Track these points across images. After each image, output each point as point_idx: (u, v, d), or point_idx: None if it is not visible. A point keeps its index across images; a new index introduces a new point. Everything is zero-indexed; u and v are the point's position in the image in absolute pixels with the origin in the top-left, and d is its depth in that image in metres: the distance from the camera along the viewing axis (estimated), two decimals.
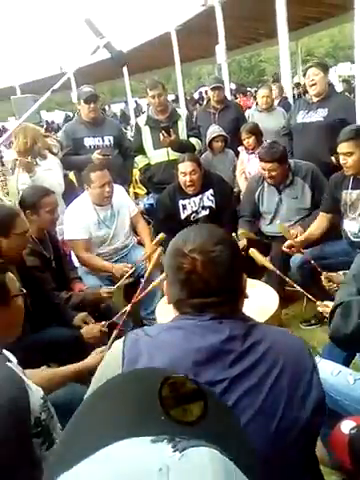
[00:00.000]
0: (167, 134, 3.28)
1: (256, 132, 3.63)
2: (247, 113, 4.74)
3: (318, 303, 1.89)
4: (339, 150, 2.44)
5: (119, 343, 0.95)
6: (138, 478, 0.30)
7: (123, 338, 0.95)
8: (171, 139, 3.30)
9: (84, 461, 0.32)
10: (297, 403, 0.87)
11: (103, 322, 2.03)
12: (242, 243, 2.81)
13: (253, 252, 2.50)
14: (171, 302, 0.98)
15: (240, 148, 3.84)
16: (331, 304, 1.78)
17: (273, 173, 2.83)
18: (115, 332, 1.93)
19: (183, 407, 0.38)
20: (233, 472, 0.34)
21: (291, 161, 2.93)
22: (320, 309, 1.84)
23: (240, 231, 2.93)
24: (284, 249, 2.63)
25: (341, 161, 2.47)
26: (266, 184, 2.99)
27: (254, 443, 0.82)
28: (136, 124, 3.61)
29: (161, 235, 2.68)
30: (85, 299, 2.29)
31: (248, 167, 3.67)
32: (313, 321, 2.79)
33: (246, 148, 3.69)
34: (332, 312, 1.35)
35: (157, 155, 3.46)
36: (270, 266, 2.47)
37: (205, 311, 0.92)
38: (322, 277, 2.10)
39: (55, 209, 2.34)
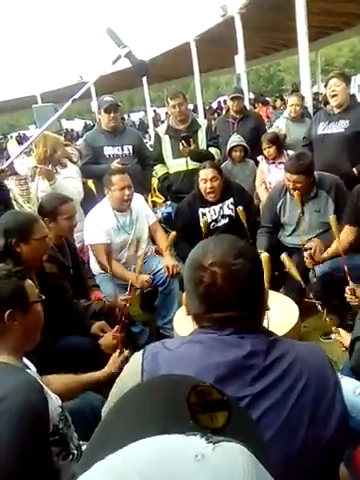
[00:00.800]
0: (187, 143, 3.29)
1: (277, 142, 3.60)
2: (277, 122, 4.62)
3: (333, 336, 1.87)
4: None
5: (138, 356, 0.93)
6: (174, 463, 0.33)
7: (142, 351, 0.94)
8: (190, 149, 3.31)
9: (117, 452, 0.35)
10: (320, 420, 0.84)
11: (116, 327, 2.03)
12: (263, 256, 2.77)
13: (284, 258, 2.48)
14: (190, 315, 0.97)
15: (260, 158, 3.81)
16: (345, 335, 1.76)
17: (298, 185, 2.77)
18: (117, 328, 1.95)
19: (209, 414, 0.40)
20: (261, 467, 0.37)
21: (315, 173, 2.86)
22: (334, 337, 1.82)
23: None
24: (306, 260, 2.59)
25: None
26: (289, 196, 2.94)
27: (277, 461, 0.81)
28: (156, 133, 3.63)
29: (173, 233, 2.69)
30: (104, 308, 2.29)
31: (268, 177, 3.64)
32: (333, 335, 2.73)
33: (266, 158, 3.66)
34: (351, 345, 1.31)
35: (176, 164, 3.47)
36: (297, 276, 2.44)
37: (225, 325, 0.90)
38: (347, 288, 2.05)
39: (73, 216, 2.36)
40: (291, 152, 3.69)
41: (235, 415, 0.41)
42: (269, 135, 3.65)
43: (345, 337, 1.77)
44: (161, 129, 3.58)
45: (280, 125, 4.26)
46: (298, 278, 2.49)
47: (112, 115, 3.38)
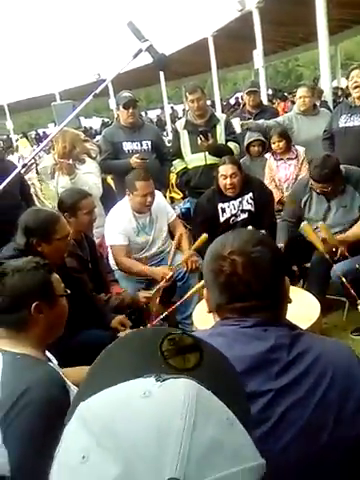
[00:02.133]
0: (205, 138, 3.27)
1: (287, 136, 3.55)
2: (286, 117, 4.17)
3: None
4: None
5: None
6: (124, 401, 0.39)
7: None
8: (209, 143, 3.29)
9: (95, 395, 0.41)
10: (347, 419, 0.81)
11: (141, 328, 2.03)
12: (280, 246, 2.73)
13: (304, 226, 2.45)
14: (211, 309, 0.95)
15: (267, 155, 3.74)
16: None
17: (325, 190, 2.72)
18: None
19: (181, 357, 0.45)
20: (207, 397, 0.40)
21: (342, 168, 2.76)
22: None
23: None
24: (325, 254, 2.54)
25: None
26: (314, 192, 2.88)
27: (300, 458, 0.79)
28: (174, 128, 3.63)
29: (204, 235, 2.64)
30: (123, 302, 2.30)
31: (278, 174, 3.59)
32: None
33: (274, 153, 3.61)
34: None
35: (194, 159, 3.46)
36: (319, 245, 2.40)
37: (247, 316, 0.89)
38: None
39: (92, 211, 2.37)
40: (299, 148, 3.62)
41: (207, 356, 0.46)
42: (279, 129, 3.60)
43: None
44: (179, 124, 3.57)
45: (285, 120, 3.88)
46: (320, 247, 2.43)
47: (131, 111, 3.38)
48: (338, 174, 2.70)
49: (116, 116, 3.68)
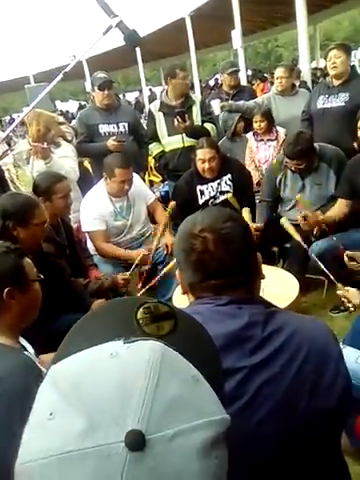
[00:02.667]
0: (182, 119, 3.23)
1: (270, 117, 3.53)
2: (265, 97, 4.16)
3: (339, 286, 1.82)
4: (359, 125, 2.39)
5: None
6: (92, 361, 0.41)
7: None
8: (186, 124, 3.24)
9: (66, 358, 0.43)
10: (322, 392, 0.83)
11: None
12: (259, 226, 2.75)
13: (284, 222, 2.48)
14: (185, 289, 0.94)
15: (249, 135, 3.72)
16: (354, 291, 1.73)
17: (300, 167, 2.75)
18: None
19: (156, 324, 0.47)
20: (173, 357, 0.42)
21: (316, 145, 2.82)
22: (340, 292, 1.77)
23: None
24: (299, 219, 2.57)
25: None
26: (289, 170, 2.91)
27: (278, 432, 0.80)
28: (149, 111, 3.54)
29: (172, 202, 2.72)
30: (102, 286, 2.28)
31: (257, 155, 3.59)
32: (342, 307, 2.72)
33: (255, 133, 3.59)
34: None
35: (172, 141, 3.40)
36: (297, 237, 2.43)
37: (221, 293, 0.89)
38: (345, 254, 2.02)
39: (68, 195, 2.33)
40: (280, 128, 3.62)
41: (182, 323, 0.48)
42: (263, 109, 3.58)
43: (352, 293, 1.74)
44: (154, 106, 3.48)
45: (264, 101, 3.85)
46: (299, 239, 2.47)
47: (106, 92, 3.31)
48: (311, 151, 2.73)
49: (91, 98, 3.58)
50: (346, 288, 1.80)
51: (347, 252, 2.05)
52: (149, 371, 0.39)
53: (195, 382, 0.41)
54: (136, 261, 2.58)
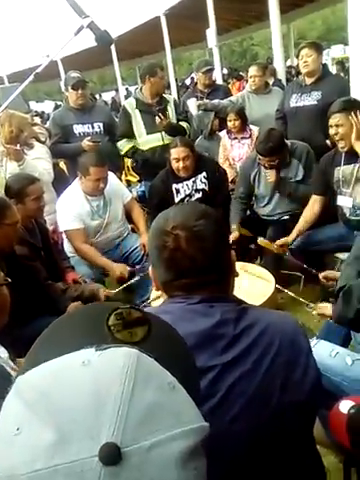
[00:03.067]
0: (163, 116, 3.22)
1: (243, 115, 3.56)
2: (239, 96, 4.24)
3: (314, 310, 1.89)
4: (331, 122, 2.46)
5: None
6: (64, 370, 0.39)
7: None
8: (167, 121, 3.24)
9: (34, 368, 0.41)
10: (292, 387, 0.84)
11: None
12: (234, 235, 2.79)
13: (261, 242, 2.54)
14: (158, 287, 0.94)
15: (222, 133, 3.74)
16: (326, 305, 1.78)
17: (272, 163, 2.80)
18: None
19: (128, 331, 0.45)
20: (148, 363, 0.40)
21: (288, 142, 2.89)
22: (315, 313, 1.84)
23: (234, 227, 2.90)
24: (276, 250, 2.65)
25: (331, 132, 2.47)
26: (262, 167, 2.95)
27: (250, 427, 0.81)
28: (124, 108, 3.48)
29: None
30: (82, 295, 2.25)
31: (231, 153, 3.62)
32: (318, 303, 2.78)
33: (229, 132, 3.61)
34: (337, 294, 1.33)
35: (151, 140, 3.37)
36: (276, 251, 2.48)
37: (194, 292, 0.88)
38: (320, 276, 2.10)
39: (41, 197, 2.29)
40: (253, 127, 3.66)
41: (156, 329, 0.47)
42: (237, 107, 3.60)
43: (324, 307, 1.79)
44: (130, 104, 3.44)
45: (239, 99, 3.91)
46: (276, 251, 2.52)
47: (80, 92, 3.28)
48: (283, 147, 2.78)
49: (65, 98, 3.54)
50: (318, 305, 1.86)
51: (322, 274, 2.12)
52: (124, 378, 0.37)
53: (171, 389, 0.39)
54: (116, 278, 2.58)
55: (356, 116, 2.38)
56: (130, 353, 0.40)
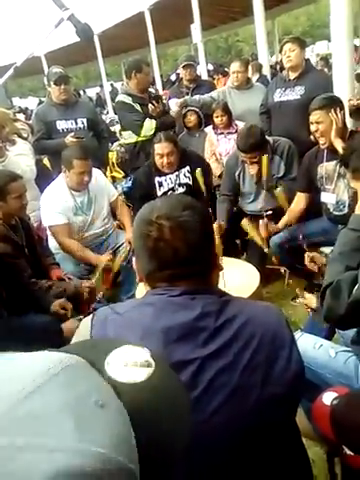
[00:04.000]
0: (157, 103, 3.20)
1: (229, 111, 3.56)
2: (220, 91, 4.16)
3: (297, 291, 1.89)
4: (311, 119, 2.47)
5: (87, 322, 0.90)
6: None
7: (91, 316, 0.91)
8: (160, 109, 3.24)
9: None
10: (274, 379, 0.84)
11: (81, 317, 1.98)
12: (218, 228, 2.78)
13: (244, 224, 2.51)
14: (141, 277, 0.94)
15: (207, 129, 3.74)
16: (311, 297, 1.79)
17: (254, 160, 2.79)
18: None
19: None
20: (82, 376, 0.38)
21: (271, 139, 2.89)
22: (300, 300, 1.85)
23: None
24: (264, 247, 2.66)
25: (312, 129, 2.48)
26: (246, 164, 2.95)
27: (232, 419, 0.81)
28: (123, 102, 3.43)
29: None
30: (66, 291, 2.23)
31: (218, 148, 3.62)
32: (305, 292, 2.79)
33: (215, 127, 3.61)
34: (323, 292, 1.32)
35: (149, 128, 3.35)
36: (259, 240, 2.47)
37: (176, 283, 0.88)
38: (306, 255, 2.08)
39: (23, 195, 2.26)
40: (239, 122, 3.66)
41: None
42: (223, 103, 3.60)
43: (310, 298, 1.79)
44: (126, 98, 3.41)
45: (220, 95, 3.88)
46: (260, 242, 2.52)
47: (63, 87, 3.24)
48: (264, 143, 2.78)
49: (48, 93, 3.49)
50: (305, 294, 1.86)
51: (308, 253, 2.11)
52: (39, 375, 0.35)
53: (95, 405, 0.35)
54: (99, 268, 2.55)
55: (336, 113, 2.39)
56: (68, 359, 0.38)
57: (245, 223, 2.54)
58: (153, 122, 3.35)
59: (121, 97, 3.55)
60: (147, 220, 0.88)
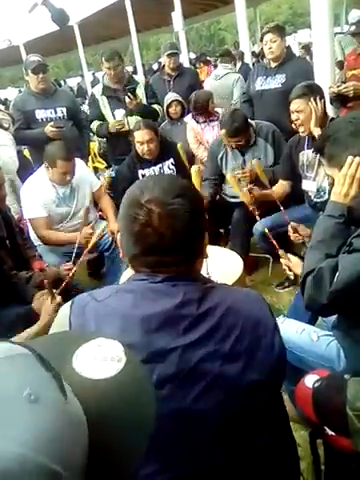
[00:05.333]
0: (133, 96, 3.16)
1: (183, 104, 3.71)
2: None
3: (281, 253, 1.84)
4: (291, 108, 2.47)
5: (66, 309, 0.88)
6: None
7: (70, 302, 0.89)
8: (137, 102, 3.19)
9: None
10: (256, 366, 0.83)
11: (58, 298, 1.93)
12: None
13: (231, 178, 2.50)
14: (125, 256, 0.92)
15: (187, 118, 3.73)
16: (297, 261, 1.75)
17: (239, 143, 2.82)
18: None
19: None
20: (17, 367, 0.37)
21: (253, 122, 2.92)
22: (283, 261, 1.80)
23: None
24: (249, 205, 2.62)
25: (293, 118, 2.48)
26: (229, 147, 2.96)
27: (211, 410, 0.81)
28: (92, 94, 3.46)
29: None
30: (46, 277, 2.20)
31: (204, 136, 3.62)
32: (287, 283, 2.80)
33: (195, 116, 3.61)
34: (303, 281, 1.32)
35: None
36: (244, 197, 2.47)
37: (158, 271, 0.86)
38: (289, 227, 2.03)
39: (2, 186, 2.21)
40: (218, 109, 3.68)
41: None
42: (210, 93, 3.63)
43: (296, 262, 1.74)
44: (97, 90, 3.41)
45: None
46: (244, 198, 2.51)
47: (41, 76, 3.17)
48: (247, 127, 2.80)
49: (26, 82, 3.42)
50: (289, 256, 1.80)
51: (292, 223, 2.07)
52: None
53: (25, 401, 0.34)
54: (77, 243, 2.48)
55: (315, 102, 2.39)
56: (11, 351, 0.37)
57: (230, 179, 2.55)
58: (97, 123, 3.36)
59: (94, 88, 3.56)
60: (136, 202, 0.84)
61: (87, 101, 9.48)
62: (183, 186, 0.89)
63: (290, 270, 1.75)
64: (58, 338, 0.50)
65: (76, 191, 2.80)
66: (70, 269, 2.17)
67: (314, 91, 2.45)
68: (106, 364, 0.42)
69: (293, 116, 2.48)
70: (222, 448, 0.83)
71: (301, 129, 2.48)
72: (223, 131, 2.85)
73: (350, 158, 1.30)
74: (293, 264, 1.74)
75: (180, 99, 3.69)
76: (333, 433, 1.16)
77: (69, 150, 2.66)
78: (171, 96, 3.68)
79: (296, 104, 2.44)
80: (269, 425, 0.90)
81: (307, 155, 2.56)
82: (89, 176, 3.00)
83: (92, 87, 11.23)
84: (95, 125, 3.40)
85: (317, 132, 2.40)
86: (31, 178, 2.78)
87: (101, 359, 0.42)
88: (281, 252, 1.81)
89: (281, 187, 2.75)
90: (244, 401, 0.83)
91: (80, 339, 0.44)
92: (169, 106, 3.68)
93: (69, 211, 2.79)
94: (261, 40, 3.47)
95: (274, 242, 2.02)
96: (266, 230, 2.27)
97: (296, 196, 2.75)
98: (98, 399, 0.38)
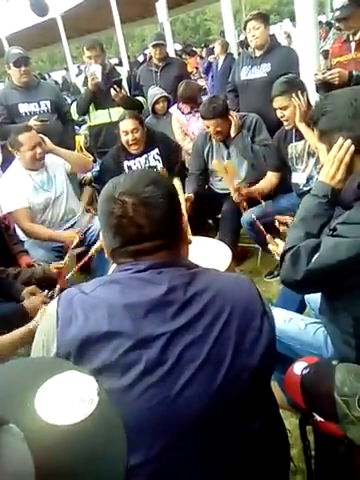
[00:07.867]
0: (119, 88, 3.13)
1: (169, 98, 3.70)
2: None
3: (268, 238, 1.84)
4: (274, 105, 2.45)
5: (53, 303, 0.89)
6: None
7: (57, 297, 0.90)
8: (122, 94, 3.15)
9: None
10: (246, 350, 0.84)
11: (45, 291, 1.93)
12: (188, 199, 2.77)
13: (216, 164, 2.55)
14: (108, 254, 0.93)
15: (172, 109, 3.71)
16: (280, 242, 1.75)
17: (218, 129, 2.79)
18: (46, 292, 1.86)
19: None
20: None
21: (237, 114, 2.90)
22: (271, 247, 1.80)
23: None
24: (231, 191, 2.62)
25: (278, 115, 2.47)
26: (214, 141, 2.94)
27: (200, 395, 0.81)
28: (74, 84, 3.45)
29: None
30: (34, 276, 2.18)
31: (190, 128, 3.60)
32: (276, 273, 2.81)
33: (180, 108, 3.61)
34: (282, 257, 1.33)
35: (99, 115, 3.32)
36: (228, 182, 2.47)
37: (141, 259, 0.87)
38: (276, 220, 2.04)
39: None
40: (204, 97, 3.68)
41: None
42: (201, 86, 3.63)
43: (282, 246, 1.75)
44: (79, 80, 3.42)
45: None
46: (230, 186, 2.52)
47: (23, 69, 3.12)
48: (226, 111, 2.78)
49: (8, 76, 3.36)
50: (277, 241, 1.81)
51: (277, 216, 2.08)
52: None
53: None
54: (67, 246, 2.48)
55: (298, 97, 2.37)
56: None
57: (216, 164, 2.56)
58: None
59: (77, 79, 3.63)
60: (110, 197, 0.87)
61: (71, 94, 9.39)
62: (154, 176, 0.93)
63: (278, 254, 1.75)
64: (25, 367, 0.44)
65: (53, 177, 2.75)
66: (60, 268, 2.15)
67: (295, 85, 2.41)
68: (73, 406, 0.36)
69: (278, 113, 2.46)
70: (209, 435, 0.83)
71: (286, 123, 2.47)
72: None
73: (341, 140, 1.28)
74: (280, 249, 1.74)
75: (166, 94, 3.66)
76: (322, 419, 1.17)
77: (26, 124, 2.63)
78: (158, 92, 3.63)
79: (278, 101, 2.42)
80: (259, 412, 0.90)
81: (296, 147, 2.55)
82: (65, 163, 2.95)
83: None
84: (74, 105, 3.38)
85: (302, 128, 2.39)
86: (7, 172, 2.74)
87: (68, 399, 0.36)
88: (268, 237, 1.81)
89: (268, 182, 2.74)
90: (233, 387, 0.83)
91: (50, 370, 0.38)
92: (156, 102, 3.64)
93: (50, 196, 2.72)
94: (244, 28, 3.45)
95: (261, 228, 2.02)
96: (254, 216, 2.27)
97: (285, 186, 2.75)
98: (56, 449, 0.33)
